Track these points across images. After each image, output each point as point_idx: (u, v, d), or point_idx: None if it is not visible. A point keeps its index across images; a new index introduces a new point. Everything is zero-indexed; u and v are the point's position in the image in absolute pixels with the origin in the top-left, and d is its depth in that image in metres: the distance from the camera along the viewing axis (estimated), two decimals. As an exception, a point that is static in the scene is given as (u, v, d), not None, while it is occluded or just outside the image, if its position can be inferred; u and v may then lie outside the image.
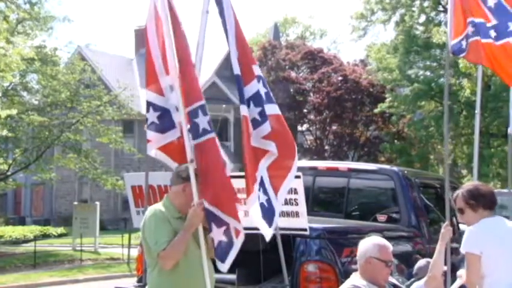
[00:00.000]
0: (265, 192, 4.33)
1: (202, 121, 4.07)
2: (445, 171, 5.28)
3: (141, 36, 35.13)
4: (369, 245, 4.04)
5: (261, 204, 4.27)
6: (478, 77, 11.16)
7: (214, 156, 4.06)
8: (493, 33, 4.87)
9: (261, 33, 46.77)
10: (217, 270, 4.24)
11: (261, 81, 4.51)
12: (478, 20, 4.89)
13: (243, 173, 4.37)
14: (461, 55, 5.01)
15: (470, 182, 4.46)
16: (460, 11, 4.94)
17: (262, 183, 4.33)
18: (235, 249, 4.05)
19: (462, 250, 4.15)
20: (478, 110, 10.00)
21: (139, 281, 6.20)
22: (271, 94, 4.65)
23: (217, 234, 4.03)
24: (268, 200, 4.33)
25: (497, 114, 22.73)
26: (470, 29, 4.90)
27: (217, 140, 4.09)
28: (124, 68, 32.47)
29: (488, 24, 4.89)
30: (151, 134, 4.43)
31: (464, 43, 4.91)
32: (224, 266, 4.06)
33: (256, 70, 4.53)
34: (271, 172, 4.42)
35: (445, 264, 4.72)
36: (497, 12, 4.88)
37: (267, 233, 4.28)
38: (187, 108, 4.11)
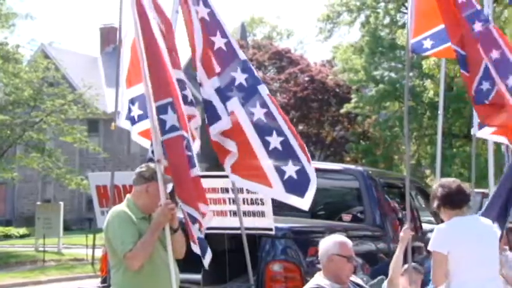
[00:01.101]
0: (298, 160, 4.43)
1: (171, 118, 4.01)
2: (406, 173, 5.35)
3: (106, 35, 34.78)
4: (329, 243, 4.13)
5: (287, 180, 4.36)
6: (441, 78, 11.36)
7: (179, 154, 4.02)
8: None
9: (228, 32, 46.64)
10: (181, 270, 4.24)
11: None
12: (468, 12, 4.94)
13: (211, 173, 4.39)
14: (425, 53, 5.09)
15: (446, 179, 4.44)
16: (421, 10, 5.01)
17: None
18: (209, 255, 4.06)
19: (429, 248, 4.20)
20: (440, 111, 10.15)
21: (103, 281, 6.13)
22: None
23: (195, 231, 4.02)
24: (301, 170, 4.43)
25: (460, 115, 23.18)
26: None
27: (186, 140, 4.02)
28: (89, 67, 32.04)
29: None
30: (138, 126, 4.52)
31: (426, 42, 4.98)
32: (205, 262, 4.08)
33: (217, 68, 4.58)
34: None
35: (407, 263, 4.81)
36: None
37: (301, 203, 4.42)
38: (156, 104, 4.08)
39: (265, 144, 4.48)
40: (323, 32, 29.93)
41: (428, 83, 22.46)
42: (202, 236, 4.04)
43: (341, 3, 28.16)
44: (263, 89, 4.63)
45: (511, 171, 5.20)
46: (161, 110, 4.03)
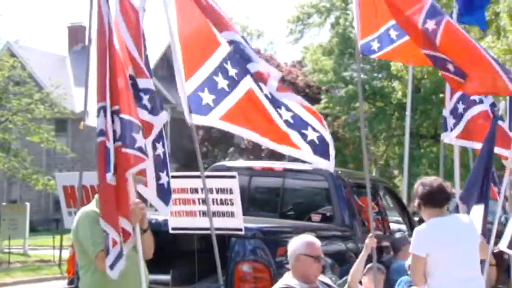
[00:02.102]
0: (314, 129, 4.76)
1: (102, 122, 3.97)
2: (366, 176, 5.40)
3: (74, 33, 34.34)
4: (296, 243, 4.17)
5: (311, 142, 4.69)
6: (408, 79, 11.55)
7: (99, 160, 3.96)
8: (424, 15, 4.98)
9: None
10: (150, 271, 4.21)
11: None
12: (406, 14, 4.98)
13: (181, 173, 4.39)
14: (374, 55, 5.13)
15: (427, 178, 4.41)
16: (367, 12, 5.05)
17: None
18: (110, 258, 3.86)
19: (409, 250, 4.22)
20: (408, 112, 10.27)
21: (70, 283, 6.07)
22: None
23: (108, 241, 3.90)
24: (320, 137, 4.74)
25: (427, 116, 23.54)
26: (394, 33, 5.03)
27: (107, 146, 3.93)
28: (57, 66, 31.59)
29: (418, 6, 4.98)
30: None
31: (374, 44, 5.03)
32: (113, 273, 3.89)
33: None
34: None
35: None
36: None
37: (328, 165, 4.73)
38: (97, 105, 4.06)
39: (280, 115, 4.77)
40: (293, 33, 30.08)
41: (396, 84, 22.76)
42: (114, 250, 3.87)
43: (311, 4, 28.33)
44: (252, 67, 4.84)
45: (482, 157, 5.19)
46: (96, 113, 4.02)
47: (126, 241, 3.91)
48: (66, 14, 73.08)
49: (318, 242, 4.22)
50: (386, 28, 5.06)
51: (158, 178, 4.30)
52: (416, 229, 4.25)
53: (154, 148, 4.31)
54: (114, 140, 3.95)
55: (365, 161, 5.44)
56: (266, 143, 4.94)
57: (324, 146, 4.79)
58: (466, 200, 4.99)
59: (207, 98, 4.88)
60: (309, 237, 4.27)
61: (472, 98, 5.90)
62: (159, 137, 4.33)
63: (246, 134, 4.99)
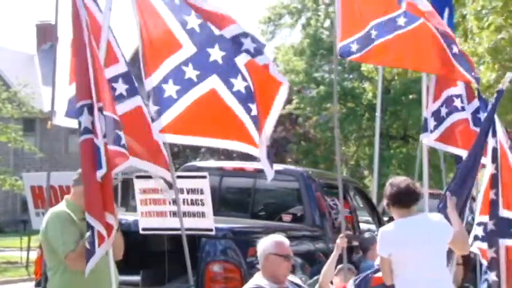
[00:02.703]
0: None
1: (86, 120, 3.92)
2: (338, 176, 5.44)
3: (43, 32, 33.83)
4: (266, 243, 4.19)
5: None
6: (378, 80, 11.66)
7: (84, 158, 3.92)
8: (402, 20, 5.04)
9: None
10: (120, 272, 4.18)
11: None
12: (382, 18, 5.03)
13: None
14: (351, 57, 5.17)
15: (397, 178, 4.38)
16: (347, 14, 5.08)
17: None
18: (96, 257, 3.83)
19: (379, 252, 4.23)
20: (378, 113, 10.36)
21: (37, 284, 5.99)
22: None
23: (93, 238, 3.86)
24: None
25: (397, 117, 23.81)
26: (373, 33, 5.06)
27: (95, 143, 3.89)
28: (25, 64, 31.10)
29: (397, 13, 5.04)
30: None
31: (353, 46, 5.06)
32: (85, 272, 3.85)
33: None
34: None
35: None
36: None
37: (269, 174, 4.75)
38: (78, 104, 4.01)
39: (249, 109, 4.67)
40: (265, 34, 30.11)
41: (367, 85, 22.96)
42: (89, 247, 3.82)
43: (282, 5, 28.43)
44: (241, 60, 4.71)
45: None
46: (78, 111, 3.96)
47: (109, 236, 3.87)
48: (34, 12, 72.14)
49: (286, 242, 4.24)
50: (368, 29, 5.09)
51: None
52: (381, 229, 4.28)
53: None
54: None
55: (337, 161, 5.48)
56: (225, 143, 4.85)
57: (270, 154, 4.78)
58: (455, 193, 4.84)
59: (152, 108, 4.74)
60: (278, 237, 4.30)
61: (454, 104, 5.98)
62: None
63: (193, 141, 4.90)
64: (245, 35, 4.75)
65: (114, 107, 4.06)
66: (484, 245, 5.25)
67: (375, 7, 5.13)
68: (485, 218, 5.26)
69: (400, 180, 4.28)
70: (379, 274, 4.27)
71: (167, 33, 4.73)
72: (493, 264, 5.14)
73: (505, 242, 5.17)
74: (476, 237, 5.32)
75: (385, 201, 4.32)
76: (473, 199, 5.92)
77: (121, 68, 4.49)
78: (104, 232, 3.79)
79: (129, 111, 4.47)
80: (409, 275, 4.09)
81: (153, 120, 4.64)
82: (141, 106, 4.55)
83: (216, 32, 4.72)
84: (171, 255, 5.50)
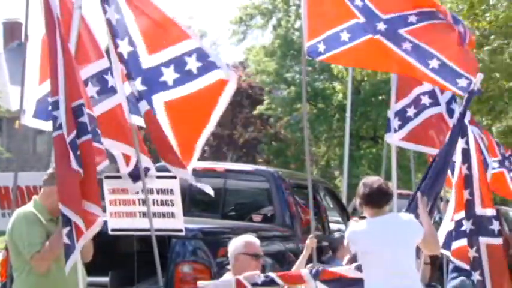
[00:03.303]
0: None
1: (60, 115, 3.88)
2: (308, 177, 5.45)
3: (9, 30, 33.23)
4: (235, 243, 4.22)
5: None
6: (348, 81, 11.75)
7: (59, 151, 3.89)
8: (382, 25, 5.09)
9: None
10: (88, 273, 4.14)
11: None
12: (350, 22, 5.07)
13: (120, 174, 4.32)
14: (319, 57, 5.20)
15: (369, 178, 4.41)
16: (314, 14, 5.11)
17: None
18: (76, 252, 3.82)
19: (351, 249, 4.29)
20: (348, 113, 10.46)
21: (3, 286, 5.89)
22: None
23: (64, 237, 3.83)
24: None
25: (366, 118, 24.03)
26: (344, 35, 5.10)
27: (65, 139, 3.87)
28: (-9, 63, 30.58)
29: (360, 21, 5.09)
30: None
31: (320, 46, 5.09)
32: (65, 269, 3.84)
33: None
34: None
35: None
36: (364, 11, 5.12)
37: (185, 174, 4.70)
38: (51, 99, 3.99)
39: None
40: (236, 34, 30.12)
41: (337, 86, 23.13)
42: (70, 243, 3.79)
43: (253, 6, 28.47)
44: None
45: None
46: (53, 106, 3.91)
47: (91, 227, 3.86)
48: (0, 9, 70.85)
49: (257, 241, 4.27)
50: (337, 31, 5.10)
51: None
52: (350, 228, 4.32)
53: None
54: (81, 134, 3.89)
55: (307, 162, 5.50)
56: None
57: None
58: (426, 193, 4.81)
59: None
60: (248, 237, 4.33)
61: (422, 102, 6.01)
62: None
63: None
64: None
65: (90, 104, 4.06)
66: (457, 244, 5.25)
67: (346, 10, 5.15)
68: (459, 217, 5.26)
69: (372, 180, 4.30)
70: (334, 269, 4.31)
71: (172, 23, 4.75)
72: (476, 264, 5.15)
73: (484, 240, 5.17)
74: (450, 238, 5.31)
75: (357, 201, 4.34)
76: (441, 199, 6.00)
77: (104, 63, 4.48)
78: (82, 225, 3.75)
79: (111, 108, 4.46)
80: (378, 274, 4.12)
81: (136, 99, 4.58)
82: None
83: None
84: (140, 256, 5.46)
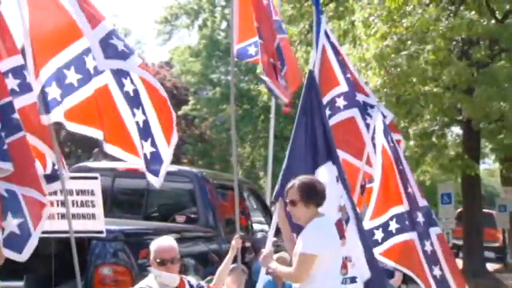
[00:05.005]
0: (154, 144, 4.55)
1: None
2: (234, 177, 5.47)
3: None
4: (153, 247, 4.18)
5: (145, 155, 4.53)
6: (272, 83, 11.86)
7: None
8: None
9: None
10: (2, 277, 3.99)
11: None
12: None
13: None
14: (249, 59, 5.24)
15: (306, 176, 4.24)
16: (245, 17, 5.15)
17: None
18: (33, 240, 3.92)
19: (305, 251, 3.95)
20: (273, 115, 10.54)
21: None
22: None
23: (9, 226, 3.83)
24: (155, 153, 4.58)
25: (291, 119, 24.27)
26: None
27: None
28: None
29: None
30: None
31: (250, 49, 5.14)
32: (22, 257, 3.95)
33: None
34: None
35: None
36: None
37: (156, 181, 4.60)
38: None
39: (133, 115, 4.56)
40: (161, 34, 29.84)
41: (262, 87, 23.30)
42: (20, 233, 3.87)
43: (178, 6, 28.29)
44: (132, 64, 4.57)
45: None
46: None
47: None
48: None
49: (170, 246, 4.19)
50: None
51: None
52: (313, 228, 4.01)
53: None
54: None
55: (234, 162, 5.51)
56: (110, 149, 4.70)
57: (156, 162, 4.65)
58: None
59: (55, 92, 4.53)
60: (164, 242, 4.24)
61: (337, 104, 6.08)
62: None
63: (92, 133, 4.73)
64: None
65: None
66: (389, 243, 5.19)
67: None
68: (386, 218, 5.23)
69: (313, 178, 4.20)
70: None
71: (69, 22, 4.56)
72: (433, 258, 5.17)
73: (433, 230, 5.25)
74: (383, 239, 5.21)
75: (299, 197, 4.03)
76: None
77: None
78: (44, 199, 3.91)
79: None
80: (328, 275, 4.00)
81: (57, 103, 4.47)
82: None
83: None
84: (58, 259, 5.31)
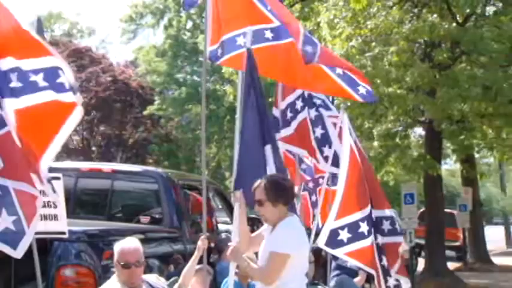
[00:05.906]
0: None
1: None
2: (202, 178, 5.43)
3: None
4: (116, 249, 4.13)
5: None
6: (238, 83, 11.86)
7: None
8: (269, 33, 5.09)
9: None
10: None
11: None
12: (250, 27, 5.09)
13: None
14: (218, 61, 5.23)
15: (273, 174, 4.15)
16: (218, 18, 5.14)
17: None
18: (27, 237, 3.91)
19: (277, 250, 3.83)
20: (238, 115, 10.46)
21: None
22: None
23: (5, 222, 3.81)
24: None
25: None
26: (240, 40, 5.12)
27: None
28: None
29: (268, 26, 5.11)
30: None
31: (220, 51, 5.13)
32: (17, 253, 3.94)
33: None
34: None
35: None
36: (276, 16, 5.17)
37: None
38: None
39: None
40: (126, 33, 29.58)
41: (228, 87, 23.30)
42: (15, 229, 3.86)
43: (144, 4, 28.09)
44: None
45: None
46: None
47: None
48: None
49: (132, 248, 4.14)
50: (234, 35, 5.10)
51: None
52: (286, 227, 3.91)
53: None
54: None
55: (202, 162, 5.46)
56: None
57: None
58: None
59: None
60: (124, 244, 4.18)
61: (296, 106, 6.15)
62: None
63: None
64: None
65: None
66: (358, 245, 5.16)
67: (239, 15, 5.18)
68: (355, 218, 5.21)
69: (282, 176, 4.12)
70: None
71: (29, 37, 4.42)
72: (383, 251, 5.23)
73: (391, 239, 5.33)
74: (335, 236, 5.17)
75: (266, 196, 3.89)
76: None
77: None
78: (36, 192, 3.86)
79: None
80: (296, 277, 3.92)
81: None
82: None
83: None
84: (18, 261, 5.20)
